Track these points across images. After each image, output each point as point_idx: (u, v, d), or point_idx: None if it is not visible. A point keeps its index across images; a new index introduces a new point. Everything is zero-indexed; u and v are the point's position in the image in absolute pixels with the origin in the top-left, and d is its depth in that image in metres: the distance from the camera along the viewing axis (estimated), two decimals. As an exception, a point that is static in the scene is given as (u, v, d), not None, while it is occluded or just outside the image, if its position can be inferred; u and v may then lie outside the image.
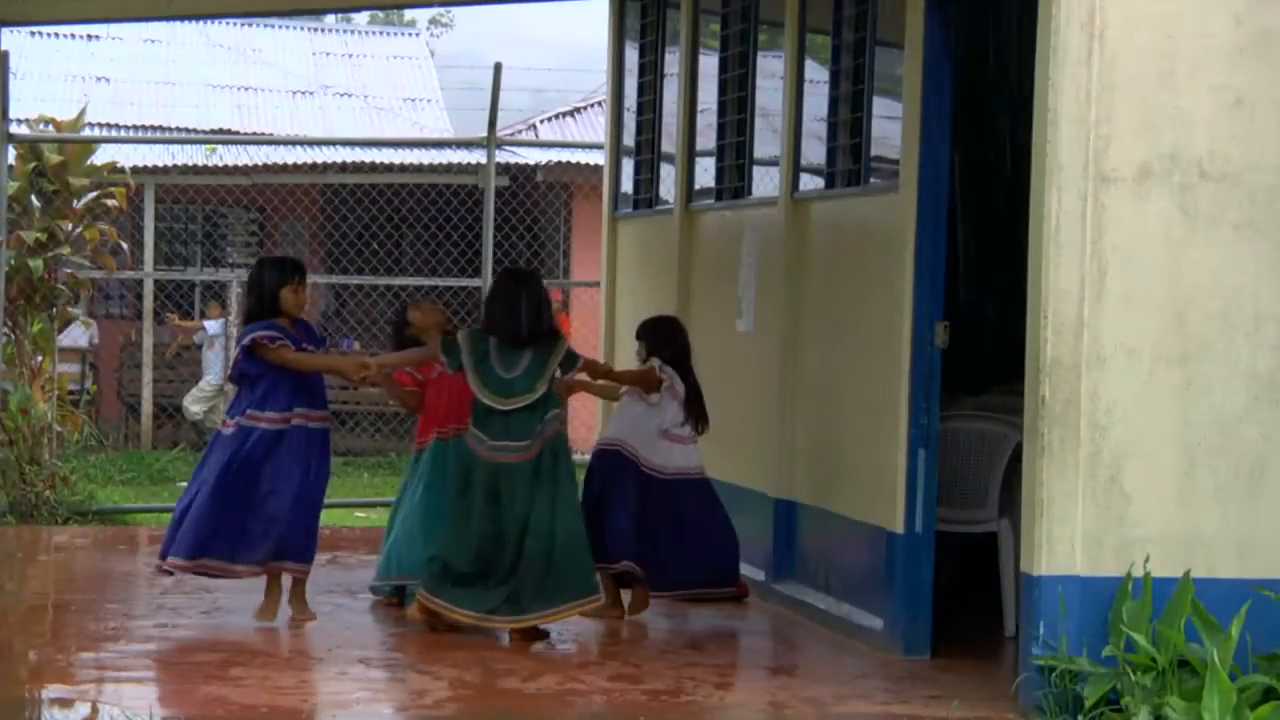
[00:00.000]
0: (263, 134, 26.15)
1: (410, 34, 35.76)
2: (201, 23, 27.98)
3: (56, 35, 28.76)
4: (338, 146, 23.79)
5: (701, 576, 10.41)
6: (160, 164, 22.78)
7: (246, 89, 29.06)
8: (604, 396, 11.31)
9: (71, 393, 17.94)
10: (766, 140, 11.60)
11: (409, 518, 10.38)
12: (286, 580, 9.98)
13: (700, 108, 12.75)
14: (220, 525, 9.75)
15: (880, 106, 10.02)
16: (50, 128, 16.35)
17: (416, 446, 10.64)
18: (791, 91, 11.12)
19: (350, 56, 31.61)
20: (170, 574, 9.98)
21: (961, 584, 10.73)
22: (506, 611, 9.52)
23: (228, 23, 29.65)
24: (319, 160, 23.58)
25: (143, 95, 27.85)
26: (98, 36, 29.23)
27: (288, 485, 9.78)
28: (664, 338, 10.62)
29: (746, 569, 11.33)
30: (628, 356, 11.88)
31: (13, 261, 15.17)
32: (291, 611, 9.96)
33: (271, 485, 9.76)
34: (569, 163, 23.37)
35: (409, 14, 42.49)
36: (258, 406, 9.83)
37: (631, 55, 14.14)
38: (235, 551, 9.79)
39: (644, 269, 13.43)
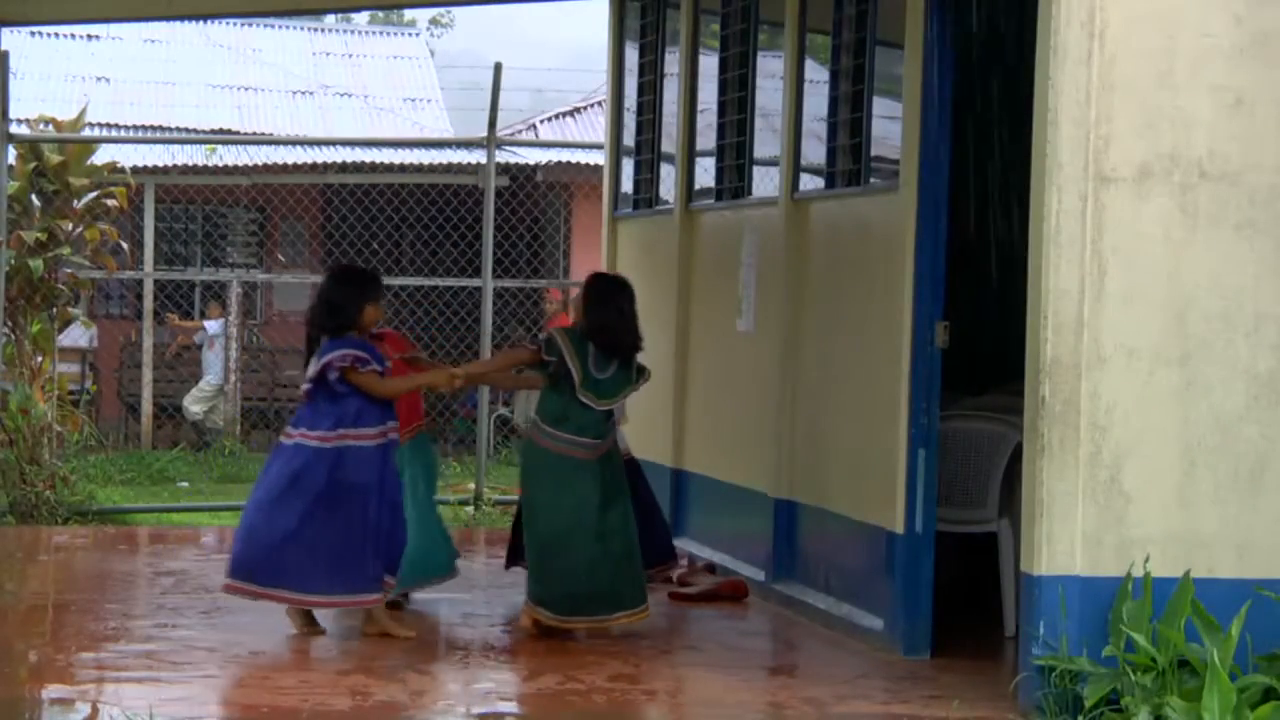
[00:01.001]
0: (263, 134, 26.16)
1: (410, 34, 35.77)
2: (201, 23, 27.99)
3: (56, 35, 28.76)
4: (338, 146, 23.79)
5: (649, 558, 10.43)
6: (160, 164, 22.77)
7: (246, 89, 29.07)
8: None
9: (71, 393, 17.93)
10: (766, 140, 11.60)
11: (423, 521, 10.32)
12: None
13: (700, 108, 12.75)
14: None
15: (880, 106, 10.02)
16: (50, 128, 16.35)
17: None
18: (791, 91, 11.12)
19: (350, 56, 31.61)
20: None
21: (962, 584, 10.73)
22: (589, 610, 9.66)
23: (228, 23, 29.66)
24: (319, 160, 23.57)
25: (143, 95, 27.85)
26: (98, 36, 29.24)
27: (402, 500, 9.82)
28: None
29: (747, 569, 11.35)
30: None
31: (13, 261, 15.17)
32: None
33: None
34: (569, 163, 23.37)
35: (409, 14, 42.50)
36: (351, 423, 9.60)
37: (631, 55, 14.14)
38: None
39: (644, 269, 13.42)
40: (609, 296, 9.93)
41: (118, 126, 25.83)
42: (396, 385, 9.73)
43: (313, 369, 9.61)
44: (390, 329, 10.73)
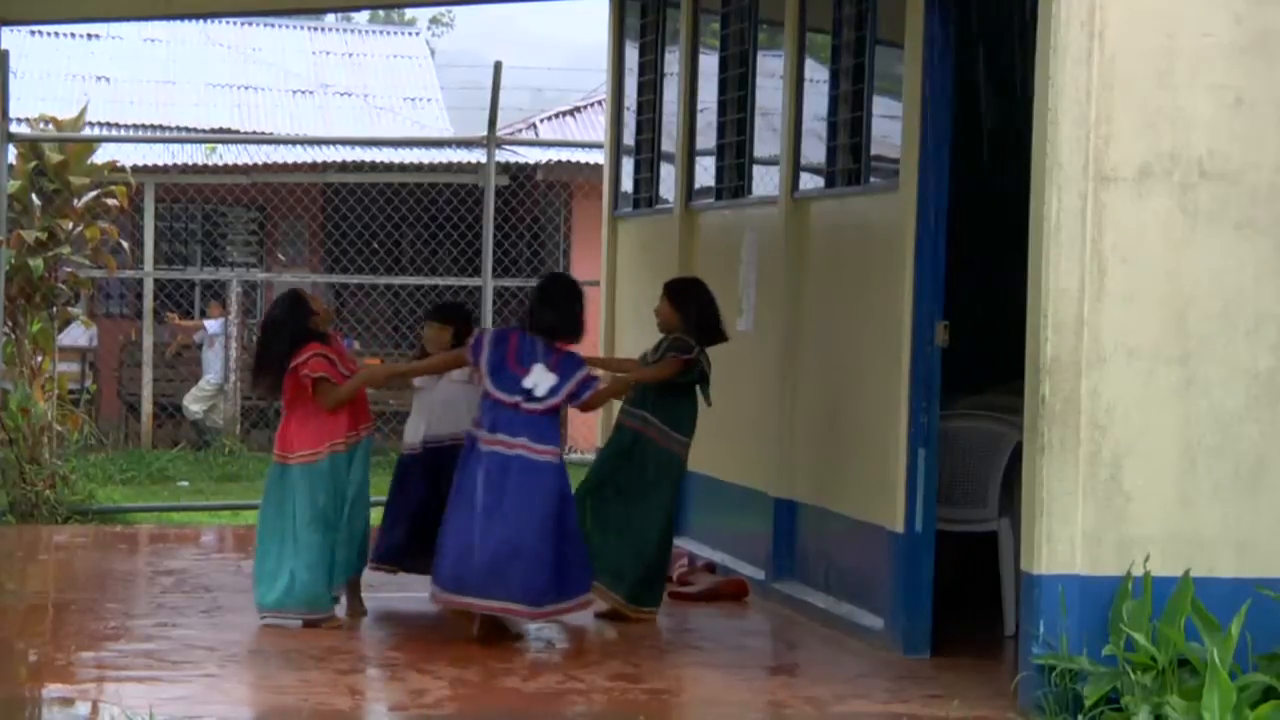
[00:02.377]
0: (263, 133, 26.16)
1: (410, 33, 35.78)
2: (201, 22, 27.98)
3: (56, 35, 28.76)
4: (338, 146, 23.80)
5: None
6: (160, 163, 22.78)
7: (246, 88, 29.07)
8: None
9: (71, 392, 17.93)
10: (766, 140, 11.60)
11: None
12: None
13: (700, 107, 12.75)
14: None
15: (880, 106, 10.02)
16: (50, 127, 16.35)
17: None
18: (791, 91, 11.12)
19: (350, 56, 31.62)
20: None
21: (962, 584, 10.72)
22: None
23: (228, 22, 29.65)
24: (319, 159, 23.58)
25: (143, 95, 27.86)
26: (98, 36, 29.24)
27: None
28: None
29: (747, 569, 11.35)
30: (628, 354, 11.87)
31: (13, 261, 15.17)
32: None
33: None
34: (569, 162, 23.37)
35: (409, 13, 42.51)
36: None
37: (631, 55, 14.14)
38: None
39: (644, 268, 13.42)
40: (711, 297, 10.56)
41: (118, 126, 25.84)
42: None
43: (571, 385, 9.48)
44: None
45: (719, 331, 10.43)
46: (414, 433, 10.54)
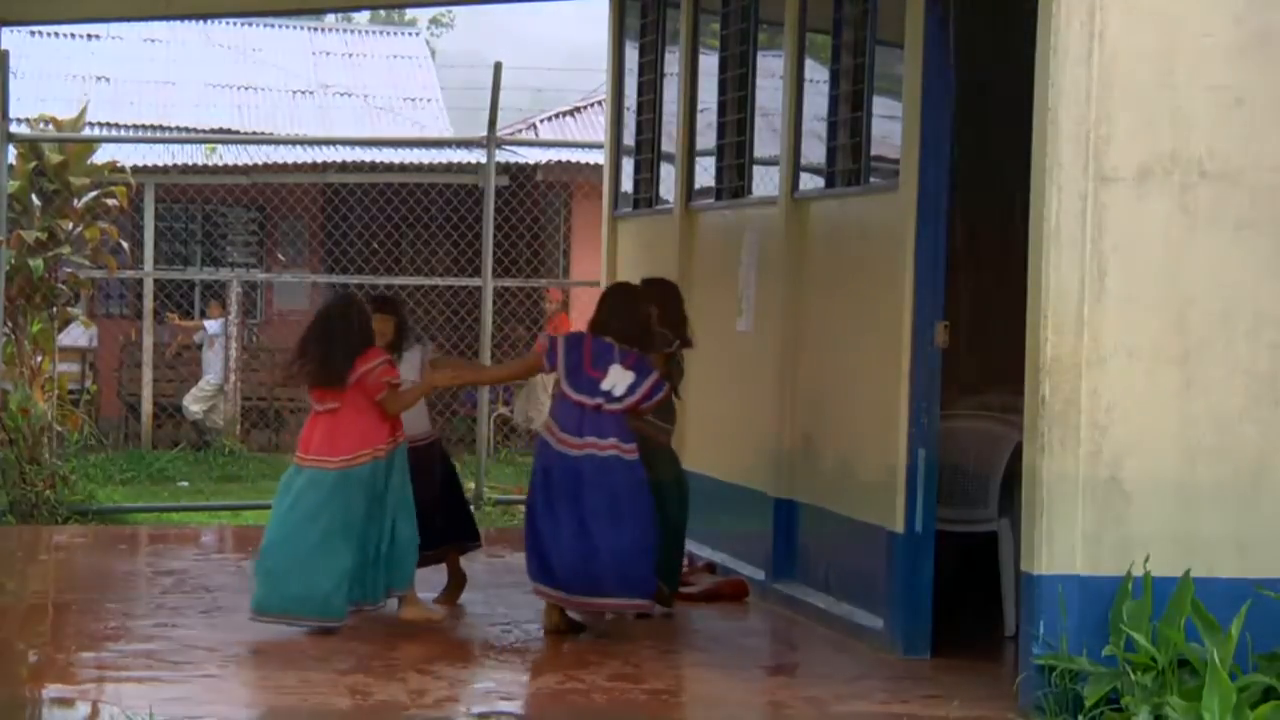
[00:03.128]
0: (263, 133, 26.16)
1: (410, 33, 35.76)
2: (201, 22, 27.98)
3: (56, 35, 28.76)
4: (338, 146, 23.79)
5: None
6: (160, 164, 22.77)
7: (246, 89, 29.07)
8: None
9: (71, 393, 17.94)
10: (766, 140, 11.60)
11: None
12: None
13: (700, 107, 12.75)
14: None
15: (880, 106, 10.02)
16: (50, 127, 16.35)
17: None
18: (791, 91, 11.12)
19: (350, 56, 31.62)
20: None
21: (962, 584, 10.72)
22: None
23: (228, 23, 29.65)
24: (319, 160, 23.57)
25: (143, 95, 27.86)
26: (98, 36, 29.23)
27: None
28: None
29: (747, 569, 11.34)
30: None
31: (13, 261, 15.17)
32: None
33: None
34: (569, 162, 23.37)
35: (409, 13, 42.49)
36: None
37: (631, 55, 14.14)
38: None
39: (644, 269, 13.40)
40: None
41: (118, 126, 25.83)
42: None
43: (647, 383, 9.69)
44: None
45: (686, 333, 10.66)
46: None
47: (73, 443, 16.11)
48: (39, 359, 15.48)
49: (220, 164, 23.46)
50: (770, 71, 11.62)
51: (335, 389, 9.76)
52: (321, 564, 9.62)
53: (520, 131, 27.00)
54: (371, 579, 9.83)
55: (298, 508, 9.73)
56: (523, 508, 15.17)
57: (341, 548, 9.64)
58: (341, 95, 29.34)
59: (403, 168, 23.09)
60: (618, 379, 9.65)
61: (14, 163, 15.51)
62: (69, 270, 15.90)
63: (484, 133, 16.10)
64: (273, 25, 31.21)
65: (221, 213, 25.67)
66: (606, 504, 9.57)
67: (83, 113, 16.77)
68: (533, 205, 23.94)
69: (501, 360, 17.78)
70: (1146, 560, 7.94)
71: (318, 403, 9.85)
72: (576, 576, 9.59)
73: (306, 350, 9.86)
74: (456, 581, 10.74)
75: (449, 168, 22.86)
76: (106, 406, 22.21)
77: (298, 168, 23.47)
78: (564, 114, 28.26)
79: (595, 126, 24.79)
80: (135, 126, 26.25)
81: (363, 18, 40.06)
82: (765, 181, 11.61)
